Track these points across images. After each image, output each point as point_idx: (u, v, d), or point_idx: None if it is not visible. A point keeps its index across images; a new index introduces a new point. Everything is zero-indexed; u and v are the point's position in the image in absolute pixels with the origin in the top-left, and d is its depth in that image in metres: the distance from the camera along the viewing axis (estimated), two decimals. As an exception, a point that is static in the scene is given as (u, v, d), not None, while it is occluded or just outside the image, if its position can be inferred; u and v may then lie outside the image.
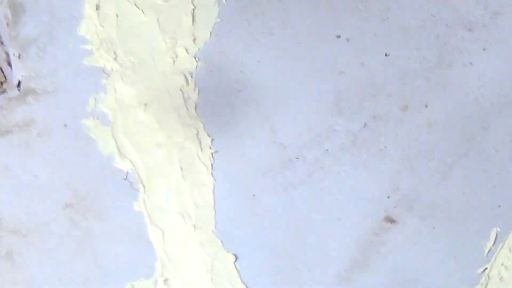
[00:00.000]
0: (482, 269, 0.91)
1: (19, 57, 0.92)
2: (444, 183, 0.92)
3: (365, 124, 0.94)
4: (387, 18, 0.95)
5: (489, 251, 0.91)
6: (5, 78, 0.97)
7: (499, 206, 0.92)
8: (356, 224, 0.91)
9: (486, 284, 0.90)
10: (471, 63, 0.94)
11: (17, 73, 0.93)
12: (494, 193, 0.93)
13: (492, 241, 0.91)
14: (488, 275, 0.90)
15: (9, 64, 0.95)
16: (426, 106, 0.94)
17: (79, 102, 0.94)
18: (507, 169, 0.93)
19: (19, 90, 0.92)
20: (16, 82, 0.93)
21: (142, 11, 0.94)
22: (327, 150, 0.93)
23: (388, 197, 0.92)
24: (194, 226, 0.89)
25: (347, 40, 0.95)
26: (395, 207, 0.91)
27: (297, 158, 0.93)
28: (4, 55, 0.96)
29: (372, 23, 0.95)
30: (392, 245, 0.91)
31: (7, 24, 0.92)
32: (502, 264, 0.90)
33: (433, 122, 0.94)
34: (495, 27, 0.94)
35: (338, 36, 0.96)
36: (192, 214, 0.90)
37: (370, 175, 0.92)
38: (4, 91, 0.97)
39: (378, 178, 0.92)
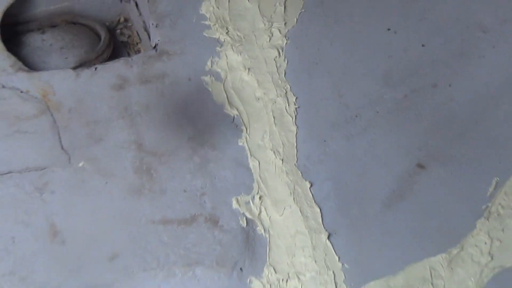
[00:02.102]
0: (484, 206, 1.00)
1: (156, 26, 1.14)
2: (460, 141, 1.05)
3: (406, 95, 1.09)
4: (425, 18, 1.21)
5: (489, 195, 1.01)
6: (140, 39, 1.21)
7: (499, 162, 1.08)
8: (396, 167, 1.02)
9: (488, 217, 0.99)
10: (484, 56, 1.18)
11: (154, 38, 1.15)
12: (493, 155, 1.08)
13: (493, 187, 1.01)
14: (489, 211, 0.99)
15: (145, 30, 1.19)
16: (450, 85, 1.10)
17: (200, 63, 1.13)
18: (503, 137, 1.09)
19: (156, 51, 1.14)
20: (153, 45, 1.15)
21: (248, -1, 1.11)
22: (377, 112, 1.08)
23: (420, 149, 1.04)
24: (282, 160, 1.02)
25: (395, 32, 1.21)
26: (424, 157, 1.03)
27: (356, 116, 1.08)
28: (141, 23, 1.20)
29: (413, 20, 1.21)
30: (422, 184, 1.01)
31: (148, 1, 1.16)
32: (499, 204, 1.00)
33: (455, 97, 1.09)
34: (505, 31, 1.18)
35: (389, 29, 1.21)
36: (280, 151, 1.03)
37: (408, 132, 1.05)
38: (139, 50, 1.22)
39: (414, 135, 1.05)
